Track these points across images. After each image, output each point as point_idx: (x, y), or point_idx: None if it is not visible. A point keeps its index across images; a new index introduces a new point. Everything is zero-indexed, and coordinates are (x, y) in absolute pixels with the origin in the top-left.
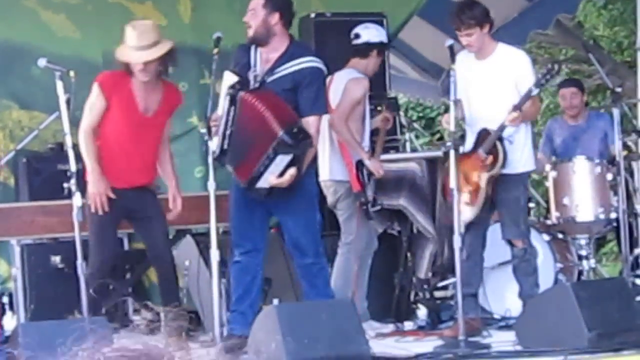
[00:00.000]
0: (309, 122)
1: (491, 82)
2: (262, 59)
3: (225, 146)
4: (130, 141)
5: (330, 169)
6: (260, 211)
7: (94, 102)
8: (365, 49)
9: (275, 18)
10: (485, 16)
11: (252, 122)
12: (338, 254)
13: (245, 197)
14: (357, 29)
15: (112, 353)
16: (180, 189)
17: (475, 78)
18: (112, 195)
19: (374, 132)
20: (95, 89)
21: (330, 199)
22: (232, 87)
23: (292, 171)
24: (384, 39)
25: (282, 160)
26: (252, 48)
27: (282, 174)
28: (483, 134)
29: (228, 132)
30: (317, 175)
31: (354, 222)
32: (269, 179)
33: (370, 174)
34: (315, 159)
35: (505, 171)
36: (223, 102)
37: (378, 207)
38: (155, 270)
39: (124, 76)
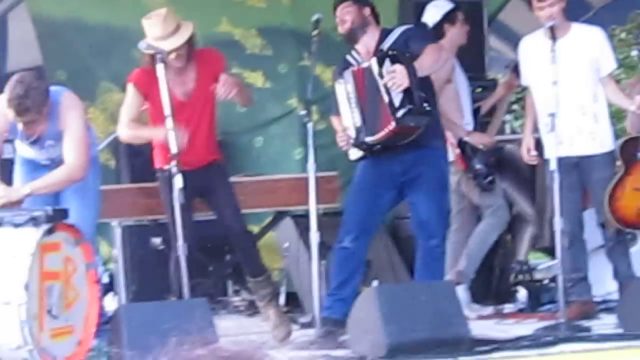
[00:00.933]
0: (426, 52)
1: (569, 62)
2: (361, 55)
3: (359, 123)
4: (179, 127)
5: None
6: (386, 198)
7: (131, 102)
8: (438, 31)
9: (367, 10)
10: None
11: (366, 84)
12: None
13: (374, 181)
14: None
15: (206, 354)
16: (279, 171)
17: (550, 60)
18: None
19: (491, 110)
20: (131, 88)
21: (452, 181)
22: (338, 73)
23: (397, 66)
24: (446, 8)
25: (387, 69)
26: (349, 56)
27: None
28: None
29: (357, 109)
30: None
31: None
32: (392, 89)
33: (474, 149)
34: (446, 142)
35: (595, 151)
36: (342, 102)
37: (490, 178)
38: (232, 243)
39: (154, 70)
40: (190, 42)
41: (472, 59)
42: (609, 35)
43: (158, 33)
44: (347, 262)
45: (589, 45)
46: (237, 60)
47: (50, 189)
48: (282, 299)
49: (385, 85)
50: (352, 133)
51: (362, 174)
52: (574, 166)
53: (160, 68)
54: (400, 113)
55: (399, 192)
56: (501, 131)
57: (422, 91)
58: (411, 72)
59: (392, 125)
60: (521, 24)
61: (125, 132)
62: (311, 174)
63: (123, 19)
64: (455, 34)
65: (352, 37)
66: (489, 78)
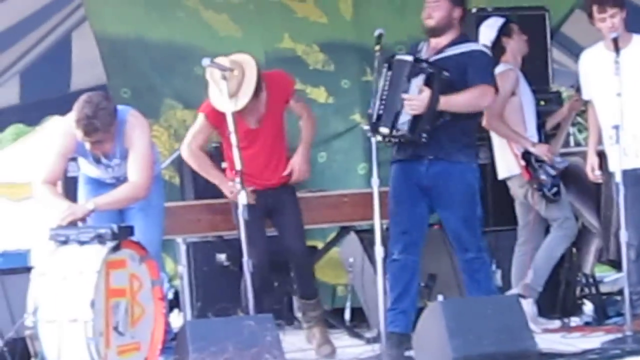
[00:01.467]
0: (472, 90)
1: (631, 74)
2: (429, 48)
3: (381, 111)
4: (251, 154)
5: (507, 166)
6: (421, 206)
7: (200, 130)
8: (497, 47)
9: (457, 12)
10: (624, 2)
11: (398, 76)
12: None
13: (407, 192)
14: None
15: None
16: (343, 186)
17: (613, 71)
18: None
19: (556, 126)
20: (201, 118)
21: (519, 194)
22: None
23: (426, 91)
24: (498, 24)
25: (417, 83)
26: (421, 45)
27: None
28: None
29: (384, 95)
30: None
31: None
32: (406, 103)
33: (540, 160)
34: (476, 155)
35: None
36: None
37: (555, 190)
38: (290, 262)
39: None
40: (257, 85)
41: (535, 71)
42: None
43: (218, 92)
44: (400, 274)
45: None
46: (300, 76)
47: (114, 205)
48: (347, 314)
49: (402, 91)
50: (375, 116)
51: (396, 186)
52: (638, 179)
53: (224, 85)
54: (396, 129)
55: (428, 205)
56: (566, 144)
57: (431, 121)
58: (433, 102)
59: (386, 131)
60: (584, 35)
61: (189, 156)
62: (375, 188)
63: (185, 36)
64: (515, 46)
65: (430, 34)
66: (553, 90)
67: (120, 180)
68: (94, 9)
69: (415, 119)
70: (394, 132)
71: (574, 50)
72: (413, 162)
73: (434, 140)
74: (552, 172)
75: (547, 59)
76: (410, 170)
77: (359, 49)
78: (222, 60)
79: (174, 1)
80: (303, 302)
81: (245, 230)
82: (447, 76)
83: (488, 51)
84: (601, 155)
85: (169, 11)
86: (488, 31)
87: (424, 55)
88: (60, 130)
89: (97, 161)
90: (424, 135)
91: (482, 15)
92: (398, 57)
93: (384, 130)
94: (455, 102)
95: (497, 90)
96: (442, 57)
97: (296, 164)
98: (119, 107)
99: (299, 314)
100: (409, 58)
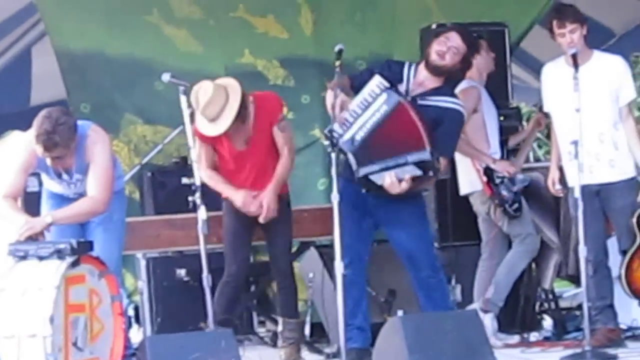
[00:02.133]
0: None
1: (589, 90)
2: (415, 80)
3: (358, 137)
4: (240, 169)
5: (470, 181)
6: (367, 223)
7: (204, 151)
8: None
9: (463, 65)
10: (584, 18)
11: (401, 128)
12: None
13: (352, 208)
14: None
15: None
16: (303, 202)
17: (571, 87)
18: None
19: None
20: (198, 141)
21: (482, 210)
22: (390, 88)
23: (404, 185)
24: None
25: (410, 172)
26: (407, 67)
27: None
28: None
29: (369, 125)
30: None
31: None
32: (386, 178)
33: (502, 176)
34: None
35: (615, 178)
36: (367, 97)
37: (516, 206)
38: (274, 277)
39: None
40: (242, 107)
41: (495, 87)
42: (630, 63)
43: (202, 115)
44: (350, 289)
45: (609, 74)
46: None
47: (72, 219)
48: (307, 329)
49: (395, 164)
50: (347, 135)
51: (344, 201)
52: (595, 194)
53: (183, 100)
54: (360, 178)
55: (374, 222)
56: (526, 159)
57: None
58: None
59: (354, 167)
60: (543, 51)
61: (206, 179)
62: (335, 204)
63: (145, 51)
64: (482, 63)
65: (432, 71)
66: (513, 106)
67: (83, 195)
68: (54, 23)
69: (381, 187)
70: (357, 174)
71: (534, 66)
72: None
73: None
74: (514, 188)
75: (506, 74)
76: (357, 189)
77: (319, 64)
78: (207, 84)
79: (134, 16)
80: (284, 320)
81: (231, 239)
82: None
83: (463, 110)
84: (561, 170)
85: (130, 26)
86: None
87: (410, 86)
88: (21, 146)
89: (59, 176)
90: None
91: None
92: (404, 102)
93: (349, 155)
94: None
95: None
96: (424, 104)
97: (265, 203)
98: (80, 122)
99: (259, 329)
100: (428, 148)
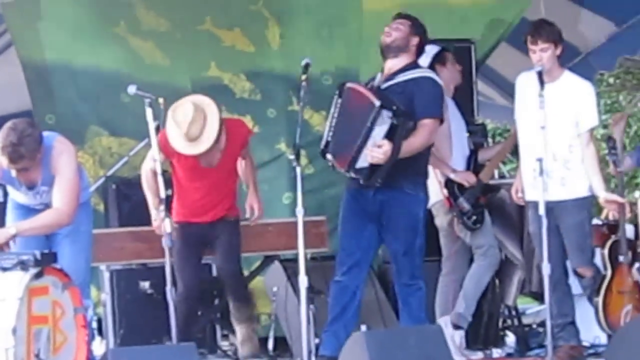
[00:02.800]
0: (423, 124)
1: (552, 108)
2: (382, 76)
3: (329, 138)
4: (198, 187)
5: (435, 192)
6: (369, 231)
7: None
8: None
9: (415, 40)
10: (560, 38)
11: (356, 108)
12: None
13: (355, 215)
14: None
15: None
16: (267, 216)
17: (536, 102)
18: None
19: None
20: (161, 153)
21: (444, 222)
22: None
23: (386, 145)
24: (433, 51)
25: (379, 132)
26: (377, 75)
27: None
28: None
29: (333, 122)
30: (426, 202)
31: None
32: (367, 156)
33: (461, 188)
34: (424, 184)
35: (565, 197)
36: (331, 108)
37: (475, 218)
38: (223, 282)
39: None
40: (219, 131)
41: (461, 103)
42: (594, 81)
43: (179, 133)
44: (340, 295)
45: (573, 97)
46: (226, 105)
47: (37, 231)
48: (270, 344)
49: (364, 136)
50: (323, 141)
51: (346, 208)
52: (550, 211)
53: (149, 113)
54: (353, 171)
55: (377, 230)
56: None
57: (389, 169)
58: (394, 152)
59: (342, 169)
60: (509, 68)
61: (143, 178)
62: (300, 218)
63: (111, 63)
64: (448, 75)
65: (385, 52)
66: (478, 122)
67: (49, 206)
68: (20, 34)
69: (373, 166)
70: (350, 173)
71: (500, 83)
72: (361, 189)
73: None
74: (473, 200)
75: (472, 91)
76: (359, 196)
77: (285, 78)
78: (187, 104)
79: (101, 28)
80: (233, 305)
81: (180, 260)
82: (411, 125)
83: (437, 78)
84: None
85: (96, 38)
86: (423, 58)
87: (377, 81)
88: None
89: (27, 188)
90: (379, 180)
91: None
92: (350, 85)
93: (329, 157)
94: (411, 147)
95: (442, 121)
96: (391, 84)
97: (255, 206)
98: (45, 133)
99: (222, 343)
100: (375, 101)
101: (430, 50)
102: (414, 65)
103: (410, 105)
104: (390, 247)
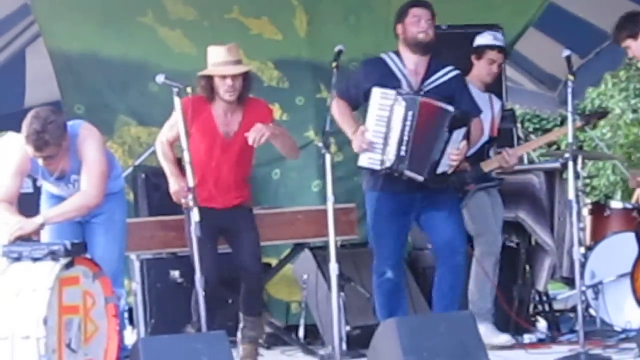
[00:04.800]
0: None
1: None
2: (409, 71)
3: (403, 152)
4: (215, 164)
5: None
6: (405, 222)
7: (174, 124)
8: (474, 52)
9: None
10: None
11: (431, 118)
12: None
13: (398, 210)
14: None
15: None
16: (297, 203)
17: None
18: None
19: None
20: (181, 116)
21: None
22: (400, 94)
23: (465, 146)
24: (491, 42)
25: (459, 134)
26: (390, 61)
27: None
28: None
29: (406, 137)
30: None
31: None
32: (450, 162)
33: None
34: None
35: None
36: (381, 113)
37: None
38: (241, 280)
39: (204, 102)
40: (247, 80)
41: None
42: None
43: (221, 58)
44: (394, 293)
45: None
46: (255, 93)
47: (66, 216)
48: (301, 331)
49: (445, 142)
50: (390, 155)
51: (384, 204)
52: None
53: (177, 102)
54: (432, 178)
55: (411, 219)
56: (520, 161)
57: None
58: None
59: (420, 178)
60: (537, 53)
61: (158, 147)
62: (329, 205)
63: (140, 53)
64: (479, 70)
65: (417, 47)
66: (507, 108)
67: None
68: (48, 25)
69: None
70: (428, 182)
71: (528, 68)
72: (404, 194)
73: None
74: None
75: (501, 76)
76: (402, 187)
77: (313, 66)
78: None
79: (128, 18)
80: (244, 318)
81: (196, 250)
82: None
83: (455, 69)
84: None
85: (124, 28)
86: (485, 37)
87: (410, 79)
88: (14, 148)
89: (57, 179)
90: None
91: (436, 33)
92: (423, 100)
93: (417, 176)
94: (471, 141)
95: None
96: (433, 87)
97: (262, 128)
98: (71, 122)
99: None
100: (449, 108)
101: (487, 39)
102: (437, 61)
103: (452, 103)
104: (439, 228)
